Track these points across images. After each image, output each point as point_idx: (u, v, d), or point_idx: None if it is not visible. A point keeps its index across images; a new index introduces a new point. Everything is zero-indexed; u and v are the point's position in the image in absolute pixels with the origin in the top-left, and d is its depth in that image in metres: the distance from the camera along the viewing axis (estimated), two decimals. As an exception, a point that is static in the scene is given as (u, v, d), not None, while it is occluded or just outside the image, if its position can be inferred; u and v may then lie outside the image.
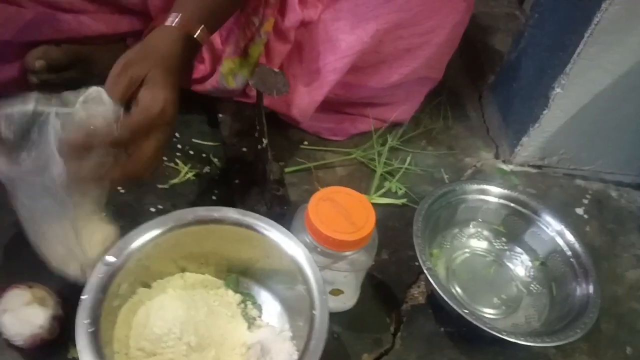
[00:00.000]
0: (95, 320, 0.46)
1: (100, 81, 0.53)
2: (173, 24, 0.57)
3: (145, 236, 0.53)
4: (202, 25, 0.59)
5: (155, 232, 0.54)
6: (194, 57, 0.63)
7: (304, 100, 0.80)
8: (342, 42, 0.76)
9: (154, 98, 0.52)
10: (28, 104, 0.49)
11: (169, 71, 0.55)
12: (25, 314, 0.55)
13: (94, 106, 0.50)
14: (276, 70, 0.63)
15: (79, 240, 0.57)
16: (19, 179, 0.50)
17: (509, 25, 1.20)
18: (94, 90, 0.51)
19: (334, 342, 0.63)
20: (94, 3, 0.76)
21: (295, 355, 0.56)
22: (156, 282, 0.57)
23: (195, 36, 0.58)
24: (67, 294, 0.60)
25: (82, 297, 0.48)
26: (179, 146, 0.82)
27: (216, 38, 0.81)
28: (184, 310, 0.53)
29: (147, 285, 0.57)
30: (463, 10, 0.80)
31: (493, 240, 0.75)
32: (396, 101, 0.87)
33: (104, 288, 0.49)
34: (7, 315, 0.55)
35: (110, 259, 0.50)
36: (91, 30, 0.77)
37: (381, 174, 0.83)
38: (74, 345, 0.57)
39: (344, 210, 0.58)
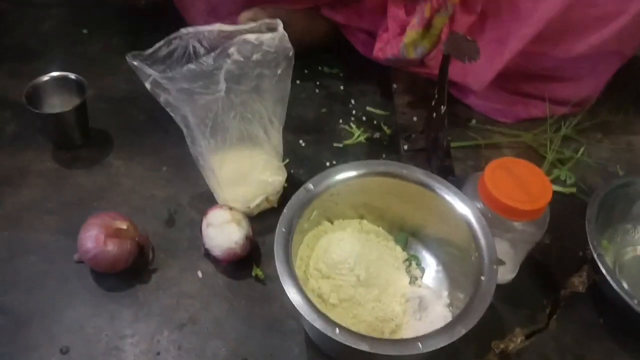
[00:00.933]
0: (290, 232, 0.54)
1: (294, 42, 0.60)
2: None
3: (341, 175, 0.60)
4: None
5: (349, 174, 0.60)
6: None
7: (482, 68, 0.80)
8: (529, 9, 0.74)
9: None
10: (215, 26, 0.59)
11: None
12: (224, 230, 0.64)
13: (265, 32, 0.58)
14: (468, 37, 0.65)
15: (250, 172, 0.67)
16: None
17: None
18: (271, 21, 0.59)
19: (489, 311, 0.65)
20: None
21: (450, 318, 0.58)
22: (338, 220, 0.64)
23: None
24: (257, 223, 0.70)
25: (284, 211, 0.55)
26: (354, 112, 0.89)
27: (401, 9, 0.85)
28: (360, 248, 0.59)
29: (330, 221, 0.63)
30: None
31: (669, 243, 0.71)
32: (579, 76, 0.83)
33: (301, 209, 0.56)
34: (210, 229, 0.65)
35: (310, 186, 0.57)
36: None
37: (551, 161, 0.81)
38: (258, 265, 0.67)
39: (519, 181, 0.59)
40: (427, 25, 0.81)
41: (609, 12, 0.74)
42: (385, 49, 0.86)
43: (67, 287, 0.64)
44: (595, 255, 0.61)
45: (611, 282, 0.59)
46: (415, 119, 0.84)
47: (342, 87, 0.93)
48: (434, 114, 0.74)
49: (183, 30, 0.60)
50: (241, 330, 0.62)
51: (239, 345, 0.61)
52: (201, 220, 0.67)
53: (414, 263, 0.65)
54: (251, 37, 0.56)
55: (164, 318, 0.62)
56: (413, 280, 0.64)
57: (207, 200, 0.72)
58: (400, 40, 0.84)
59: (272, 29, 0.59)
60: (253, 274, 0.66)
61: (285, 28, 0.86)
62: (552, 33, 0.76)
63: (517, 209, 0.57)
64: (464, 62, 0.63)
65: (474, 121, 0.88)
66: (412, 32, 0.82)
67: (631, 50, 0.82)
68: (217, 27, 0.59)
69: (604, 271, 0.60)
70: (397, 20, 0.84)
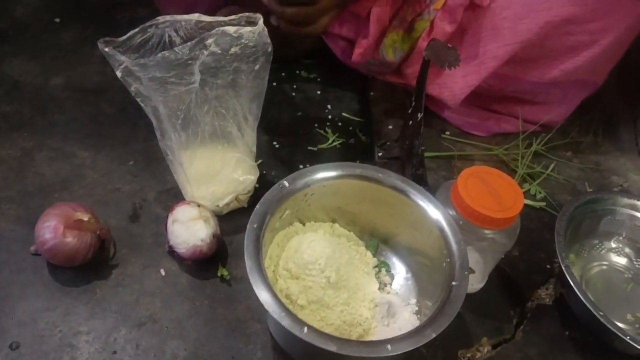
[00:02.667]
0: (261, 228, 0.52)
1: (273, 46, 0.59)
2: None
3: (317, 175, 0.58)
4: None
5: (325, 174, 0.59)
6: None
7: (457, 84, 0.82)
8: (508, 30, 0.76)
9: None
10: (193, 16, 0.58)
11: None
12: (191, 227, 0.62)
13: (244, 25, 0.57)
14: (449, 45, 0.65)
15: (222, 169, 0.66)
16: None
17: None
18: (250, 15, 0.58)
19: (457, 320, 0.64)
20: None
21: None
22: (310, 222, 0.63)
23: None
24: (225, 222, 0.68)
25: (257, 206, 0.54)
26: (330, 117, 0.88)
27: (386, 14, 0.85)
28: (331, 250, 0.57)
29: (301, 222, 0.62)
30: (637, 16, 0.77)
31: (634, 259, 0.71)
32: (550, 101, 0.85)
33: (274, 205, 0.54)
34: (176, 225, 0.63)
35: (285, 183, 0.56)
36: None
37: (522, 176, 0.82)
38: (224, 265, 0.65)
39: (492, 189, 0.59)
40: (409, 29, 0.82)
41: (583, 42, 0.77)
42: (364, 53, 0.86)
43: (20, 279, 0.61)
44: (563, 267, 0.61)
45: (578, 293, 0.59)
46: (390, 127, 0.84)
47: (319, 92, 0.92)
48: (411, 121, 0.74)
49: (159, 19, 0.58)
50: (203, 331, 0.60)
51: (199, 346, 0.58)
52: (167, 217, 0.64)
53: (383, 269, 0.65)
54: (230, 29, 0.55)
55: (122, 316, 0.60)
56: (382, 286, 0.63)
57: (175, 196, 0.70)
58: (381, 41, 0.84)
59: (251, 22, 0.58)
60: (218, 274, 0.64)
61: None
62: (527, 57, 0.79)
63: (489, 217, 0.56)
64: (444, 69, 0.64)
65: (448, 133, 0.89)
66: (393, 33, 0.82)
67: (600, 79, 0.85)
68: (195, 17, 0.57)
69: (571, 282, 0.60)
70: (380, 22, 0.84)
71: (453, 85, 0.82)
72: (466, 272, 0.54)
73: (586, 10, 0.73)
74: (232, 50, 0.55)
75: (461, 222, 0.59)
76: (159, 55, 0.53)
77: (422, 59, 0.70)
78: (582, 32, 0.75)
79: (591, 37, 0.76)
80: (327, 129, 0.86)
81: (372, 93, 0.89)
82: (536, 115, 0.86)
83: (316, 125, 0.86)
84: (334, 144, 0.84)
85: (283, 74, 0.94)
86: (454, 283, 0.53)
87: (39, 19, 0.96)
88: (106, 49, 0.56)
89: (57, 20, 0.97)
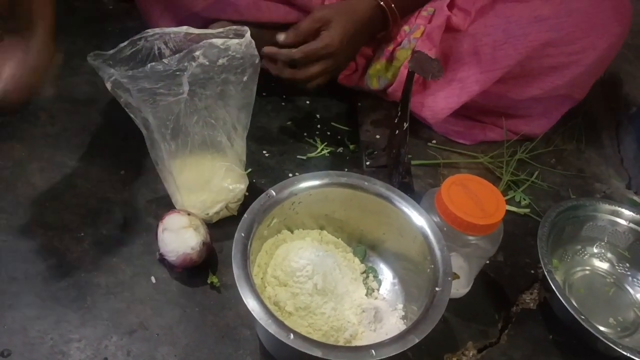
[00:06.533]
0: (249, 236, 0.53)
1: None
2: None
3: (303, 184, 0.60)
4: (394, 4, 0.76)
5: (311, 183, 0.60)
6: (379, 25, 0.80)
7: (437, 105, 0.84)
8: (489, 56, 0.79)
9: (329, 35, 0.74)
10: (182, 28, 0.60)
11: (352, 22, 0.75)
12: (181, 235, 0.63)
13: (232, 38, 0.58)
14: (432, 57, 0.67)
15: (211, 178, 0.67)
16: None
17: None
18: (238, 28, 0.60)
19: (442, 324, 0.65)
20: None
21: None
22: (298, 230, 0.64)
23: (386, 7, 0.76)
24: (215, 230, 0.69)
25: (244, 215, 0.55)
26: (319, 126, 0.90)
27: (367, 46, 0.88)
28: (318, 257, 0.59)
29: (290, 230, 0.63)
30: (617, 34, 0.79)
31: (616, 264, 0.73)
32: (532, 115, 0.87)
33: (262, 214, 0.56)
34: (167, 234, 0.64)
35: (272, 192, 0.57)
36: (264, 17, 0.87)
37: (506, 182, 0.84)
38: (214, 273, 0.66)
39: (475, 197, 0.60)
40: (390, 58, 0.84)
41: (563, 63, 0.80)
42: (350, 77, 0.88)
43: (11, 289, 0.62)
44: (545, 272, 0.63)
45: (560, 298, 0.61)
46: (378, 136, 0.86)
47: (307, 102, 0.94)
48: (397, 131, 0.75)
49: (148, 32, 0.59)
50: (193, 337, 0.61)
51: (190, 352, 0.59)
52: (157, 225, 0.65)
53: (371, 275, 0.66)
54: (218, 41, 0.56)
55: (113, 323, 0.61)
56: (370, 292, 0.64)
57: (165, 205, 0.71)
58: (365, 72, 0.86)
59: (239, 35, 0.59)
60: (209, 281, 0.65)
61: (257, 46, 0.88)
62: (508, 77, 0.81)
63: (472, 224, 0.58)
64: (427, 80, 0.65)
65: (434, 141, 0.90)
66: (376, 63, 0.85)
67: (581, 95, 0.87)
68: (184, 29, 0.59)
69: (553, 287, 0.62)
70: (362, 54, 0.87)
71: (434, 105, 0.84)
72: (449, 278, 0.55)
73: (563, 34, 0.76)
74: (220, 61, 0.57)
75: (445, 229, 0.60)
76: (148, 66, 0.54)
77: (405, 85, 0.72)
78: (561, 54, 0.78)
79: (571, 58, 0.78)
80: (316, 138, 0.87)
81: (360, 103, 0.91)
82: (518, 127, 0.88)
83: (305, 134, 0.88)
84: (323, 152, 0.85)
85: (272, 84, 0.95)
86: (437, 289, 0.54)
87: (31, 31, 0.97)
88: (95, 62, 0.57)
89: (49, 31, 0.98)
